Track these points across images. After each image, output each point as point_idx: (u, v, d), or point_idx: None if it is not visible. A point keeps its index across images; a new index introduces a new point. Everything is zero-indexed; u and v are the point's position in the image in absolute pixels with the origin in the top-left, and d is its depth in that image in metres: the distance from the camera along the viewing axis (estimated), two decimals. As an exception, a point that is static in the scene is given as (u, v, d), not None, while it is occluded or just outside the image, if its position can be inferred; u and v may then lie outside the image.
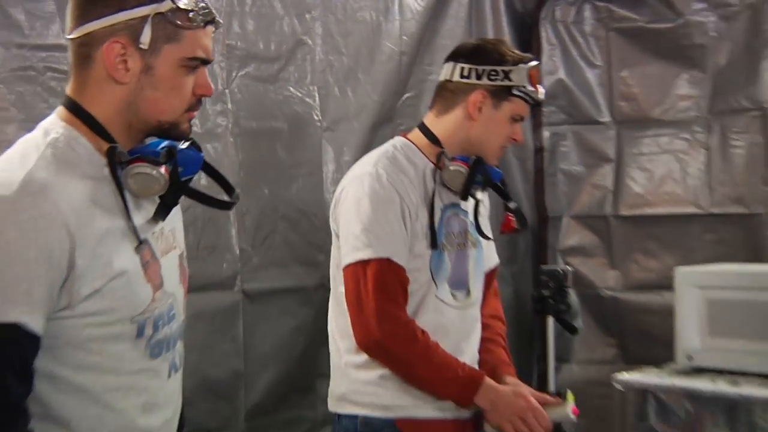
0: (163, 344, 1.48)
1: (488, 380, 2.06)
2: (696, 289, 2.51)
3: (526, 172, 3.50)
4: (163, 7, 1.38)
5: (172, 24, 1.40)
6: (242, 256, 2.71)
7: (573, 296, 3.20)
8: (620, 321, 3.36)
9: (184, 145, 1.46)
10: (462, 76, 2.13)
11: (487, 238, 2.23)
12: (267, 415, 2.75)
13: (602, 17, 3.41)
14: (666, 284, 2.91)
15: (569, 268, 3.12)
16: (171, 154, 1.42)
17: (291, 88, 2.84)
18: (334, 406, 2.15)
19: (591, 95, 3.45)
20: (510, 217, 2.22)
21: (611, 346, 3.39)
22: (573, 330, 3.19)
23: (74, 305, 1.34)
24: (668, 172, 3.29)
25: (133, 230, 1.40)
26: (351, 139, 2.94)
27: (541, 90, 2.17)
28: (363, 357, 2.06)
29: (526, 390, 2.12)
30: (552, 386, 3.11)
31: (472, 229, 2.21)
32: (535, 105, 2.21)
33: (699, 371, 2.43)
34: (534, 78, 2.13)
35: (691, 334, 2.48)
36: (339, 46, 2.96)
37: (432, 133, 2.17)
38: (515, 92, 2.12)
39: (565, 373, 3.37)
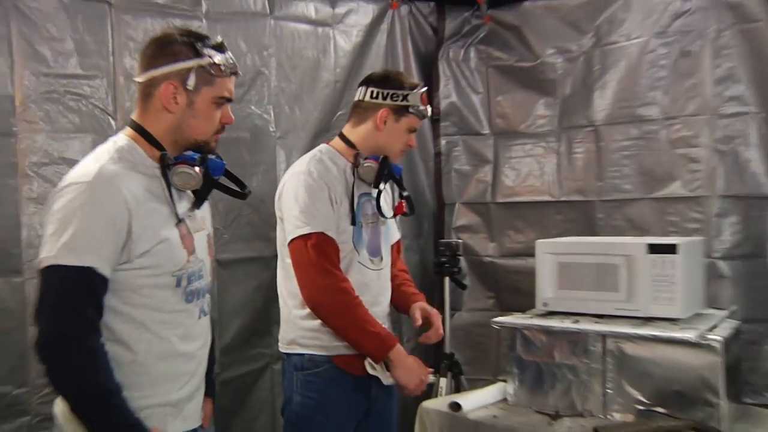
0: (195, 294, 1.56)
1: (400, 345, 2.07)
2: (550, 255, 2.50)
3: (429, 170, 3.51)
4: (204, 61, 1.51)
5: (209, 73, 1.52)
6: (216, 234, 2.58)
7: (463, 262, 3.33)
8: (497, 280, 3.38)
9: (212, 156, 1.56)
10: (372, 97, 2.14)
11: (385, 217, 2.21)
12: (236, 353, 2.75)
13: (483, 57, 3.41)
14: (530, 252, 2.86)
15: (460, 241, 3.21)
16: (204, 160, 1.53)
17: (252, 107, 2.83)
18: (285, 348, 2.15)
19: (475, 114, 3.44)
20: (402, 203, 2.24)
21: (490, 298, 3.41)
22: (463, 286, 3.29)
23: (131, 260, 1.44)
24: (530, 171, 3.31)
25: (174, 212, 1.50)
26: (298, 145, 2.93)
27: (429, 109, 2.20)
28: (307, 310, 2.06)
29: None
30: (447, 328, 3.20)
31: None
32: (424, 119, 2.22)
33: (552, 314, 2.45)
34: (424, 100, 2.16)
35: (546, 287, 2.48)
36: (289, 76, 2.96)
37: (349, 140, 2.17)
38: (411, 110, 2.14)
39: (457, 318, 3.41)
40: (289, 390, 2.13)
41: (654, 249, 2.31)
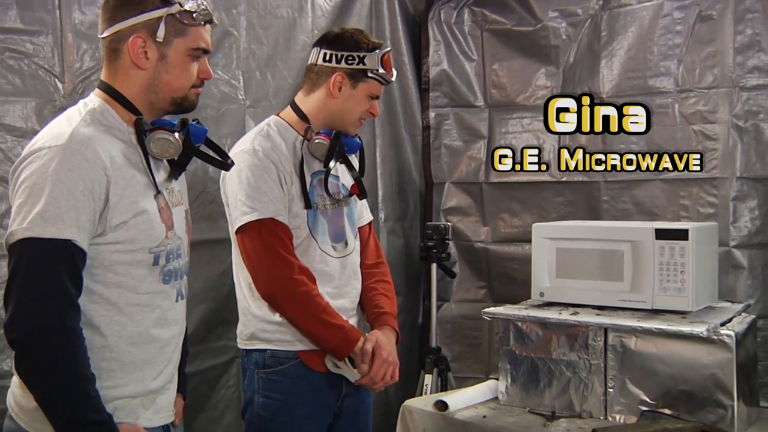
0: (173, 274, 1.57)
1: (363, 339, 2.04)
2: (548, 241, 2.51)
3: (416, 145, 3.50)
4: (174, 9, 1.52)
5: (180, 22, 1.53)
6: (179, 212, 2.67)
7: (452, 247, 3.35)
8: (489, 267, 3.38)
9: (193, 121, 1.58)
10: (324, 60, 2.09)
11: (333, 198, 2.14)
12: (200, 344, 2.71)
13: (478, 20, 3.40)
14: (526, 238, 2.93)
15: (449, 224, 3.24)
16: (184, 125, 1.55)
17: (219, 72, 2.78)
18: (244, 344, 2.11)
19: (469, 84, 3.43)
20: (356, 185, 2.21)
21: (482, 287, 3.41)
22: (452, 274, 3.34)
23: (106, 233, 1.44)
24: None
25: (153, 181, 1.51)
26: (270, 115, 2.82)
27: (394, 72, 2.14)
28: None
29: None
30: (434, 321, 3.22)
31: (344, 191, 2.18)
32: (387, 84, 2.16)
33: (548, 305, 2.46)
34: (387, 63, 2.10)
35: (543, 276, 2.49)
36: (260, 37, 2.91)
37: (301, 111, 2.13)
38: (370, 75, 2.08)
39: (445, 310, 3.42)
40: (249, 390, 2.10)
41: (662, 234, 2.32)
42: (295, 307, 2.00)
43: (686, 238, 2.28)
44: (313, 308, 2.00)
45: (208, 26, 1.58)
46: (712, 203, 2.91)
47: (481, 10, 3.41)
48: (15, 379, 1.50)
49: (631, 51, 3.06)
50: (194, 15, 1.54)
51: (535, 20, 3.28)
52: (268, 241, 1.98)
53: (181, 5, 1.53)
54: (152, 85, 1.54)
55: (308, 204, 2.06)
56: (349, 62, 2.07)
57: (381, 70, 2.09)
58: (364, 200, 2.32)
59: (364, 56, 2.07)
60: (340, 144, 2.10)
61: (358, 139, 2.20)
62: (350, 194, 2.20)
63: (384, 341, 2.07)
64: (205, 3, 1.57)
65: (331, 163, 2.10)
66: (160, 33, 1.51)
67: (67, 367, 1.38)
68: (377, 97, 2.15)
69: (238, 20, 2.84)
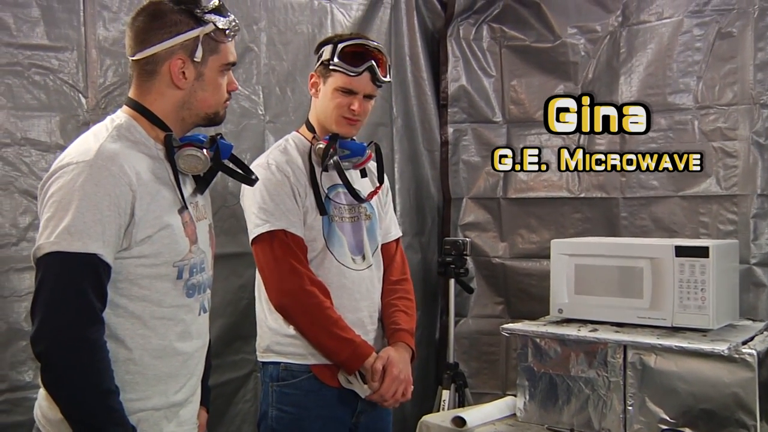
0: (196, 288, 1.58)
1: (374, 355, 2.02)
2: (566, 257, 2.51)
3: (434, 161, 3.50)
4: (208, 29, 1.54)
5: (214, 40, 1.55)
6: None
7: (470, 263, 3.34)
8: (507, 283, 3.38)
9: (218, 135, 1.60)
10: (315, 67, 2.14)
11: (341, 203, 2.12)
12: (218, 358, 2.66)
13: (496, 36, 3.41)
14: (544, 253, 2.92)
15: (467, 239, 3.24)
16: (213, 141, 1.57)
17: (240, 87, 2.76)
18: (261, 356, 2.13)
19: (487, 99, 3.44)
20: (377, 188, 2.19)
21: (499, 303, 3.41)
22: (469, 290, 3.33)
23: (131, 247, 1.46)
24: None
25: (181, 196, 1.53)
26: (289, 130, 2.78)
27: (369, 64, 2.05)
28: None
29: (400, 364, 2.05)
30: (451, 336, 3.22)
31: (365, 204, 2.17)
32: (356, 76, 2.05)
33: (567, 321, 2.46)
34: (351, 56, 2.04)
35: (561, 292, 2.49)
36: (280, 53, 2.94)
37: (309, 123, 2.16)
38: (330, 67, 2.06)
39: (463, 325, 3.41)
40: (264, 403, 2.11)
41: (682, 252, 2.32)
42: (305, 319, 2.01)
43: (707, 256, 2.27)
44: (324, 321, 2.00)
45: (233, 39, 1.61)
46: (732, 220, 2.90)
47: (500, 27, 3.42)
48: (42, 392, 1.51)
49: (650, 67, 3.06)
50: (226, 32, 1.56)
51: (554, 36, 3.29)
52: (279, 252, 1.99)
53: (214, 24, 1.54)
54: (186, 102, 1.56)
55: (323, 210, 2.06)
56: (318, 60, 2.11)
57: (336, 60, 2.04)
58: (393, 216, 2.31)
59: (323, 51, 2.09)
60: (336, 148, 2.06)
61: (364, 143, 2.16)
62: (362, 200, 2.17)
63: (396, 358, 2.06)
64: (235, 19, 1.59)
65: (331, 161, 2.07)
66: (198, 53, 1.53)
67: (91, 379, 1.39)
68: (350, 92, 2.07)
69: (258, 36, 2.87)
